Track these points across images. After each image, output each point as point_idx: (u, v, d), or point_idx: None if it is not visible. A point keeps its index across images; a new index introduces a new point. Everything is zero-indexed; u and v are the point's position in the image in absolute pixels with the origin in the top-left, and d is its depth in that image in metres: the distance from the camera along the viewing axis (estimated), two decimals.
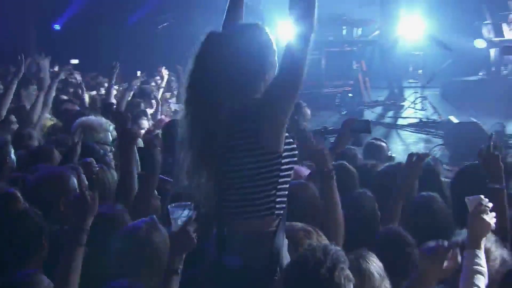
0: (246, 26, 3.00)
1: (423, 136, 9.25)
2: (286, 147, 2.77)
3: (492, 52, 11.10)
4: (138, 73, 9.40)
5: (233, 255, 2.88)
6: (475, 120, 7.97)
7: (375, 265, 2.75)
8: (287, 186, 2.86)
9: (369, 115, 10.14)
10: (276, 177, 2.83)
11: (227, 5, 3.27)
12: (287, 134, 2.78)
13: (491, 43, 10.97)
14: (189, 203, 2.94)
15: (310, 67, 9.00)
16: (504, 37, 10.84)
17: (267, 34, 2.91)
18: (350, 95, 11.44)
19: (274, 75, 2.80)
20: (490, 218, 2.93)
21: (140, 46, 14.75)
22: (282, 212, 2.88)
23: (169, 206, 3.05)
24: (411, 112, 10.50)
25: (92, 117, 6.23)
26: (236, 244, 2.92)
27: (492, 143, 3.55)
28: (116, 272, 2.94)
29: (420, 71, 12.38)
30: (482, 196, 3.00)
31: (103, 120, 6.12)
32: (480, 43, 11.60)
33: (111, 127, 5.81)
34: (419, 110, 10.40)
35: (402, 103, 11.40)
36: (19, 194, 3.11)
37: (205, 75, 2.85)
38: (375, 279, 2.75)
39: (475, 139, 7.17)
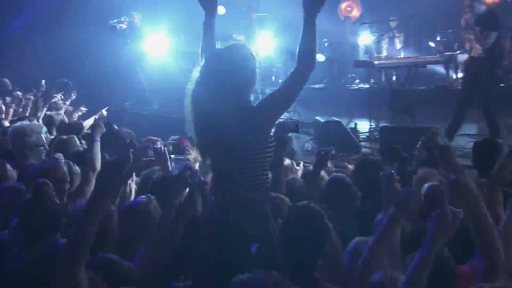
0: (238, 45, 3.62)
1: (293, 133, 10.02)
2: (270, 140, 3.47)
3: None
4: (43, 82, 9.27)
5: (235, 215, 3.47)
6: (337, 119, 9.06)
7: None
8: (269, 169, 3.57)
9: None
10: (266, 163, 3.50)
11: (203, 31, 3.84)
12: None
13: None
14: (187, 157, 3.72)
15: (186, 76, 10.15)
16: None
17: (251, 50, 3.54)
18: None
19: (277, 89, 3.43)
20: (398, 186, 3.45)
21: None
22: (267, 186, 3.58)
23: (172, 156, 3.89)
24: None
25: (24, 122, 6.44)
26: (238, 207, 3.48)
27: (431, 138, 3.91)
28: (123, 238, 3.52)
29: (280, 80, 12.92)
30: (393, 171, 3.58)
31: (35, 123, 6.46)
32: (320, 57, 12.91)
33: (44, 129, 6.10)
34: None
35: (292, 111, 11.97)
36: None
37: (216, 79, 3.39)
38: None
39: (339, 133, 8.51)
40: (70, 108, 9.45)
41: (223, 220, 3.47)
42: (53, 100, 8.72)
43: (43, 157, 5.63)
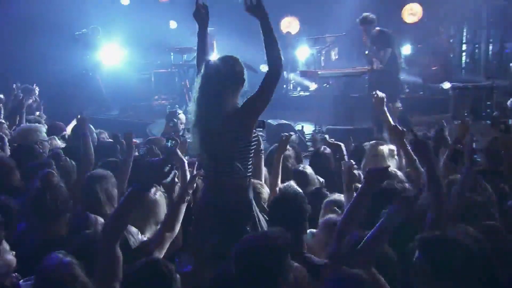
0: (229, 57, 4.00)
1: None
2: (253, 136, 3.93)
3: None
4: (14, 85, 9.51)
5: (225, 199, 3.93)
6: (288, 122, 9.89)
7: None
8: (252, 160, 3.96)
9: None
10: (249, 155, 3.96)
11: (197, 42, 4.40)
12: (254, 130, 3.94)
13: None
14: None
15: (142, 84, 11.14)
16: None
17: (240, 61, 3.98)
18: (177, 106, 12.39)
19: (255, 92, 3.85)
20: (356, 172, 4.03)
21: None
22: (250, 175, 3.99)
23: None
24: None
25: (28, 124, 7.46)
26: (226, 192, 3.94)
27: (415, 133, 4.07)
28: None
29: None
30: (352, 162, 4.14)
31: (36, 124, 7.32)
32: (264, 67, 13.14)
33: (44, 128, 7.05)
34: None
35: None
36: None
37: (209, 86, 3.88)
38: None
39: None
40: None
41: (214, 203, 3.91)
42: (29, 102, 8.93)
43: (47, 149, 6.25)
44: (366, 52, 10.10)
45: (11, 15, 14.02)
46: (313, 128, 10.67)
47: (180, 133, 7.62)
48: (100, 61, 13.76)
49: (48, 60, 14.22)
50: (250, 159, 4.03)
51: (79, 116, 7.02)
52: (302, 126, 10.38)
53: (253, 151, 4.03)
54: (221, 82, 3.92)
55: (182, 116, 8.28)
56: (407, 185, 4.21)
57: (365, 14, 10.03)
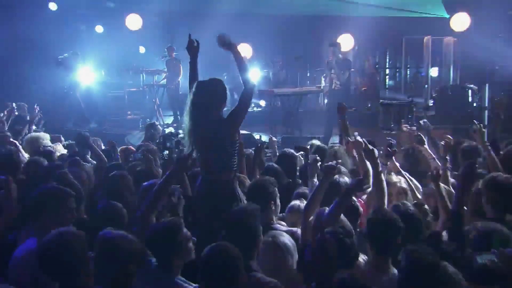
0: (216, 79, 4.50)
1: None
2: (236, 140, 4.48)
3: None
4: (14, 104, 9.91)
5: (215, 188, 4.40)
6: (249, 132, 10.47)
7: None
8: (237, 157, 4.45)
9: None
10: (235, 153, 4.45)
11: (189, 68, 4.82)
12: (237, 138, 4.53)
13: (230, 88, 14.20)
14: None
15: (116, 101, 12.85)
16: None
17: (223, 82, 4.48)
18: (147, 120, 13.35)
19: (236, 105, 4.37)
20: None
21: None
22: (236, 169, 4.49)
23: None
24: None
25: (34, 133, 8.00)
26: (216, 184, 4.40)
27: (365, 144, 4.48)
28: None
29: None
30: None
31: (42, 133, 7.93)
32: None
33: (48, 136, 7.67)
34: None
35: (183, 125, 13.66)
36: None
37: (199, 102, 4.37)
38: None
39: (250, 142, 9.28)
40: None
41: (207, 192, 4.45)
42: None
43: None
44: (332, 71, 11.34)
45: (4, 38, 14.44)
46: (269, 137, 11.38)
47: (156, 141, 7.91)
48: (78, 81, 14.25)
49: (31, 79, 14.94)
50: (235, 158, 4.53)
51: (81, 133, 7.43)
52: (260, 136, 11.47)
53: (236, 152, 4.57)
54: (208, 98, 4.41)
55: (159, 127, 9.03)
56: (346, 178, 4.74)
57: (334, 39, 11.95)
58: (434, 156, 5.82)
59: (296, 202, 4.54)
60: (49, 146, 7.31)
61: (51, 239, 3.05)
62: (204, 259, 3.06)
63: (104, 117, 14.56)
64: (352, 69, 12.91)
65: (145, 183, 4.47)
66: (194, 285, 3.45)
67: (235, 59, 4.50)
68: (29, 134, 8.13)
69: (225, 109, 4.65)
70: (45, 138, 7.69)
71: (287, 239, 3.69)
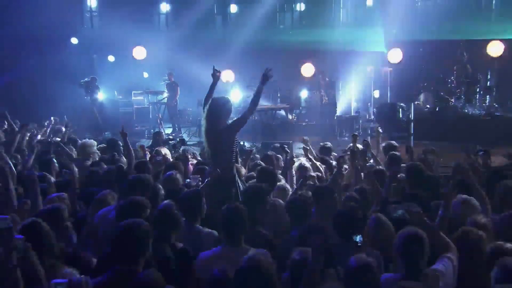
0: (225, 97, 5.56)
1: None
2: (235, 141, 5.43)
3: None
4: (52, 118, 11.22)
5: (221, 175, 5.30)
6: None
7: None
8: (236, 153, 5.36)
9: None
10: (235, 149, 5.48)
11: (209, 88, 5.67)
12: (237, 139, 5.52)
13: None
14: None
15: (126, 115, 15.95)
16: None
17: (230, 100, 5.53)
18: (152, 130, 15.12)
19: (238, 116, 5.37)
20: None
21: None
22: (234, 161, 5.48)
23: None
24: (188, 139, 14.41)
25: (84, 140, 8.79)
26: (223, 173, 5.33)
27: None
28: None
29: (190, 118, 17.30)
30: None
31: (91, 140, 8.61)
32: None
33: (95, 142, 8.32)
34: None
35: (180, 134, 15.30)
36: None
37: (212, 112, 5.39)
38: None
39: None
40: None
41: (216, 178, 5.33)
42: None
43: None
44: (321, 92, 14.12)
45: (36, 66, 16.55)
46: (251, 144, 12.95)
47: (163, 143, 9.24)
48: (95, 99, 16.04)
49: (58, 98, 16.38)
50: (234, 154, 5.60)
51: (113, 138, 8.58)
52: (243, 142, 12.53)
53: (235, 149, 5.61)
54: (219, 111, 5.42)
55: (163, 134, 10.71)
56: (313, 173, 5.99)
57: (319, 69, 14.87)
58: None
59: (281, 183, 5.87)
60: (96, 152, 8.01)
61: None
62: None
63: (116, 129, 15.00)
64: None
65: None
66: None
67: (258, 88, 5.45)
68: (82, 141, 8.91)
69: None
70: (93, 144, 8.31)
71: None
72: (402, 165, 6.36)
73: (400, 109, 14.59)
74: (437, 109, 14.92)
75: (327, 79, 14.77)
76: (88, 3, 20.11)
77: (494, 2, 17.26)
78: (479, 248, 3.67)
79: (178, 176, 5.61)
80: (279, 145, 7.96)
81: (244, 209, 4.08)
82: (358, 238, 3.75)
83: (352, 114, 15.93)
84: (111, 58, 19.22)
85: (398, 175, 5.56)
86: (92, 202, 4.95)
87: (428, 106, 15.41)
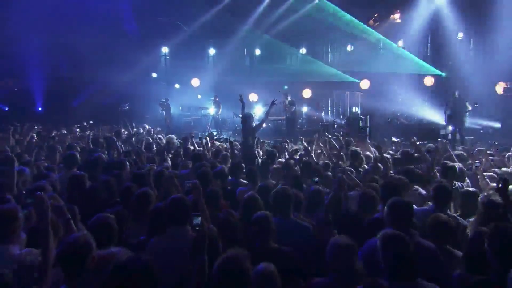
0: (249, 113, 10.01)
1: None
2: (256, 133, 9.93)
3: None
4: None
5: (246, 152, 9.21)
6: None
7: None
8: None
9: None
10: (255, 138, 9.98)
11: (242, 108, 9.76)
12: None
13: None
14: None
15: (186, 123, 25.20)
16: None
17: (253, 115, 10.32)
18: (203, 133, 17.30)
19: (257, 123, 9.82)
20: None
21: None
22: (255, 145, 9.69)
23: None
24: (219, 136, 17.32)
25: (169, 135, 12.80)
26: (247, 147, 9.63)
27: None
28: None
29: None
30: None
31: (173, 136, 12.89)
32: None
33: (174, 136, 12.65)
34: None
35: (222, 136, 17.67)
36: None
37: (244, 120, 9.85)
38: None
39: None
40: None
41: (245, 151, 9.52)
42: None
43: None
44: (287, 108, 17.41)
45: (132, 92, 22.07)
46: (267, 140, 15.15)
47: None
48: (168, 113, 20.66)
49: (144, 112, 21.94)
50: (255, 138, 9.45)
51: (187, 134, 10.73)
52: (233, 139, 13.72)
53: (256, 140, 9.50)
54: (247, 120, 9.52)
55: (197, 135, 12.16)
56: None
57: (285, 88, 18.97)
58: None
59: (280, 159, 8.41)
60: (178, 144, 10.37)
61: None
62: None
63: (180, 131, 18.70)
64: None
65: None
66: None
67: (268, 109, 9.17)
68: (168, 136, 12.67)
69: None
70: (174, 138, 11.56)
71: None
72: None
73: (360, 120, 19.23)
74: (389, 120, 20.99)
75: (289, 97, 18.04)
76: (163, 51, 25.57)
77: None
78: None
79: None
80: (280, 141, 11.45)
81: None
82: (316, 179, 4.73)
83: (330, 122, 20.74)
84: (177, 86, 24.85)
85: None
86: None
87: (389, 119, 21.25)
